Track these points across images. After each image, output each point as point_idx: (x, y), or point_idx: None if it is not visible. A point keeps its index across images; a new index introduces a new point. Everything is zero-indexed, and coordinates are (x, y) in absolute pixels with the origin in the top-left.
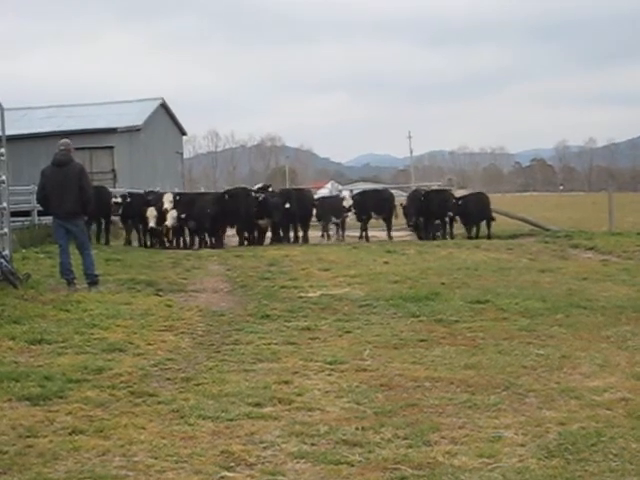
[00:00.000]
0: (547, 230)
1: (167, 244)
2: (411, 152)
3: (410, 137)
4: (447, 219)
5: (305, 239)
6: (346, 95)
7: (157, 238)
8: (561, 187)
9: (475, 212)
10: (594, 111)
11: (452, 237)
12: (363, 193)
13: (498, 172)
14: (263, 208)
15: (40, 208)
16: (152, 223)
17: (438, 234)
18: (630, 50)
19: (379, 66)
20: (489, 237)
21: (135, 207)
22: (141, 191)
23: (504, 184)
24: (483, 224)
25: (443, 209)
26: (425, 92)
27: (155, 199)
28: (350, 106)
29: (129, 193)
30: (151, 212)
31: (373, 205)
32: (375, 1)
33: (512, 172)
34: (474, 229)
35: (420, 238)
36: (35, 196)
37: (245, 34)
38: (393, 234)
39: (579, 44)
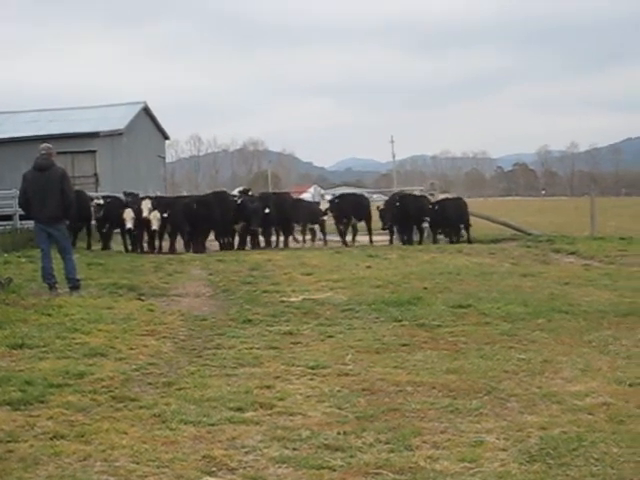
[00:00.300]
0: (529, 235)
1: (147, 248)
2: (394, 157)
3: (392, 142)
4: (425, 224)
5: (285, 244)
6: (329, 100)
7: (137, 242)
8: (543, 192)
9: (453, 217)
10: (576, 116)
11: (435, 241)
12: (341, 197)
13: (480, 177)
14: (242, 212)
15: (22, 212)
16: (129, 224)
17: (415, 239)
18: (612, 57)
19: (363, 71)
20: (469, 241)
21: (113, 210)
22: (119, 194)
23: (486, 189)
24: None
25: (419, 214)
26: (408, 97)
27: (133, 201)
28: (333, 111)
29: (104, 197)
30: (128, 214)
31: (351, 209)
32: (358, 7)
33: (494, 177)
34: (456, 234)
35: (402, 242)
36: (17, 200)
37: (229, 39)
38: (376, 238)
39: (561, 50)
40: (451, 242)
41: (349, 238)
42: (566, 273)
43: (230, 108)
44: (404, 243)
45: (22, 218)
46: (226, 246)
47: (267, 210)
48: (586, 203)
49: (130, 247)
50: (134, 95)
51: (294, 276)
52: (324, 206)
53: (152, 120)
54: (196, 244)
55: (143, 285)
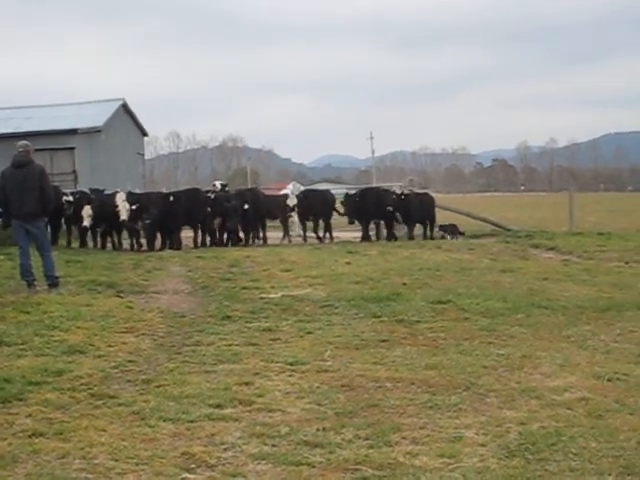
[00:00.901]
0: (508, 230)
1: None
2: (373, 153)
3: (372, 138)
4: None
5: (263, 239)
6: (307, 97)
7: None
8: (522, 187)
9: (416, 212)
10: (555, 112)
11: (395, 238)
12: (306, 192)
13: (459, 172)
14: (218, 209)
15: None
16: (86, 222)
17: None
18: (591, 54)
19: (342, 68)
20: (431, 238)
21: (78, 207)
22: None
23: (465, 184)
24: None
25: (380, 209)
26: (387, 94)
27: (97, 197)
28: (312, 107)
29: (73, 193)
30: (86, 211)
31: (316, 206)
32: (335, 5)
33: (473, 172)
34: (420, 229)
35: (362, 238)
36: None
37: (209, 36)
38: (355, 234)
39: (542, 47)
40: (410, 238)
41: (320, 234)
42: (545, 268)
43: (209, 105)
44: (363, 239)
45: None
46: (201, 243)
47: (246, 206)
48: (565, 199)
49: (90, 244)
50: (112, 92)
51: (273, 272)
52: (292, 202)
53: (131, 117)
54: (171, 240)
55: (122, 282)
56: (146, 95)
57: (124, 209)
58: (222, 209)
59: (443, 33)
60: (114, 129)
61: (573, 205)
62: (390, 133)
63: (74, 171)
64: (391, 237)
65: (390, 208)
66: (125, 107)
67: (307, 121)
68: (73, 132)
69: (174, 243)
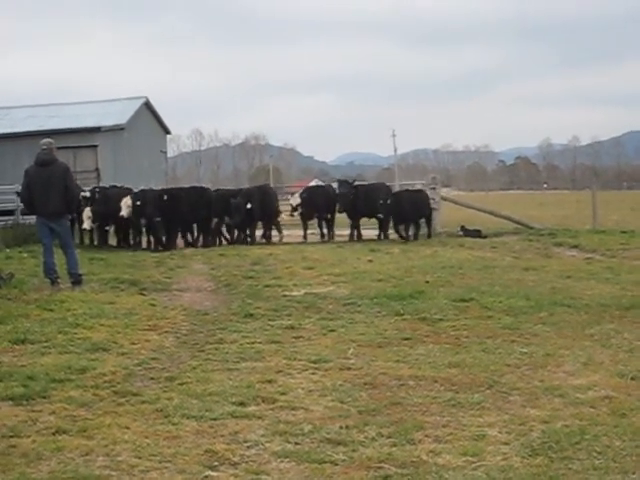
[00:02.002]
0: (531, 228)
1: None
2: (395, 150)
3: (394, 135)
4: (380, 216)
5: (268, 237)
6: (330, 94)
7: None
8: (545, 185)
9: (409, 211)
10: (578, 110)
11: (385, 237)
12: (309, 191)
13: (482, 170)
14: (222, 208)
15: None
16: (86, 225)
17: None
18: (614, 51)
19: (364, 65)
20: (429, 235)
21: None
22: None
23: (488, 182)
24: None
25: (370, 206)
26: (410, 91)
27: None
28: (334, 105)
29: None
30: (87, 213)
31: (320, 203)
32: (359, 1)
33: (496, 170)
34: (411, 229)
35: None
36: (19, 195)
37: (230, 34)
38: (378, 232)
39: (564, 45)
40: (401, 237)
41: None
42: (568, 267)
43: (231, 103)
44: (351, 237)
45: (24, 213)
46: (192, 243)
47: (249, 205)
48: (588, 197)
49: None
50: (135, 90)
51: (296, 270)
52: (295, 201)
53: (153, 115)
54: (167, 240)
55: (145, 280)
56: (169, 93)
57: (125, 205)
58: (227, 208)
59: (465, 29)
60: (137, 127)
61: (596, 203)
62: (413, 131)
63: (97, 169)
64: (383, 236)
65: (380, 215)
66: (148, 105)
67: (330, 119)
68: (96, 130)
69: (167, 243)
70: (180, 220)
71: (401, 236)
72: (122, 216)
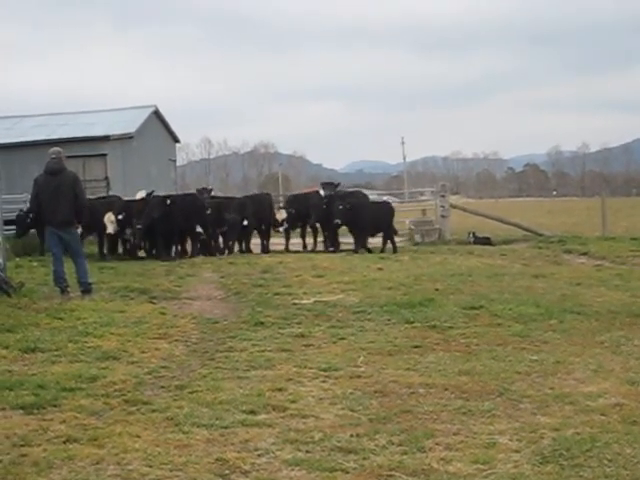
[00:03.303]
0: (540, 235)
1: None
2: (404, 158)
3: (403, 143)
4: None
5: (266, 248)
6: (339, 102)
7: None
8: (554, 192)
9: (368, 222)
10: (587, 117)
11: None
12: (294, 201)
13: (491, 178)
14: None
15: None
16: (110, 229)
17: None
18: (623, 57)
19: (373, 72)
20: (394, 251)
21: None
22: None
23: (497, 189)
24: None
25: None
26: (418, 99)
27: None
28: (343, 112)
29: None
30: (109, 217)
31: (304, 212)
32: (367, 9)
33: (505, 177)
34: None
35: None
36: (28, 204)
37: (239, 42)
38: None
39: (572, 51)
40: (354, 251)
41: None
42: (578, 274)
43: (240, 111)
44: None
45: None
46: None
47: (245, 222)
48: (597, 204)
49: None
50: (143, 99)
51: (305, 278)
52: (281, 217)
53: (163, 123)
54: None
55: (154, 288)
56: (178, 101)
57: (109, 222)
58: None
59: (474, 36)
60: (146, 136)
61: (606, 210)
62: (421, 138)
63: (106, 178)
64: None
65: (338, 221)
66: (157, 114)
67: (338, 126)
68: (105, 139)
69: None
70: (173, 228)
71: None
72: (110, 233)
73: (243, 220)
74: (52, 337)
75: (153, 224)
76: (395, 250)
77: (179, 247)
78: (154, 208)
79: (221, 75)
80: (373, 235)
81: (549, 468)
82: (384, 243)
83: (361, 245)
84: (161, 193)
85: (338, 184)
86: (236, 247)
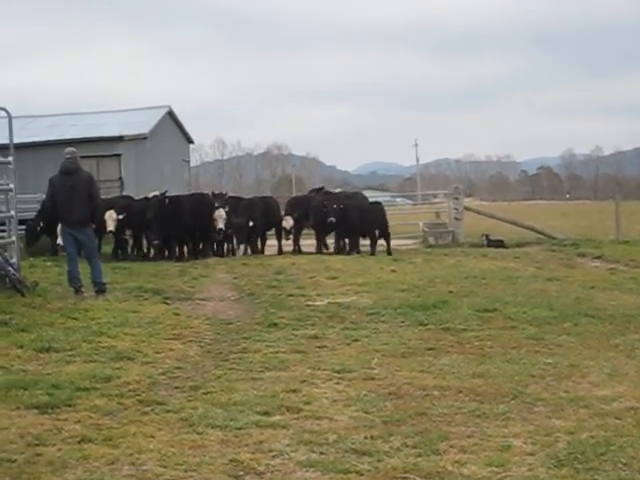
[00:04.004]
0: (554, 238)
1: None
2: (417, 160)
3: (416, 145)
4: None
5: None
6: (353, 103)
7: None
8: (568, 195)
9: (358, 224)
10: (601, 120)
11: (325, 248)
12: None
13: (504, 180)
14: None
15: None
16: (111, 227)
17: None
18: (637, 60)
19: (386, 74)
20: (389, 253)
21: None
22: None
23: (510, 192)
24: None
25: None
26: (431, 100)
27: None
28: (357, 114)
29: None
30: (111, 215)
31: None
32: (380, 11)
33: (518, 180)
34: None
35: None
36: (42, 204)
37: (252, 43)
38: (400, 242)
39: (587, 54)
40: (338, 252)
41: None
42: (592, 277)
43: (254, 112)
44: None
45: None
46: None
47: (251, 223)
48: (611, 207)
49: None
50: (157, 99)
51: (319, 280)
52: (288, 224)
53: (176, 124)
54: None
55: (168, 289)
56: (191, 102)
57: (110, 219)
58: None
59: (487, 38)
60: (160, 136)
61: (619, 213)
62: (434, 140)
63: (120, 178)
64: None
65: (332, 219)
66: (171, 114)
67: (352, 128)
68: (119, 139)
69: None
70: (180, 228)
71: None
72: (110, 231)
73: (249, 222)
74: (66, 337)
75: (156, 224)
76: (389, 252)
77: (182, 248)
78: (151, 208)
79: (235, 76)
80: (365, 236)
81: (564, 471)
82: (373, 245)
83: (355, 246)
84: (174, 194)
85: (321, 188)
86: (241, 249)
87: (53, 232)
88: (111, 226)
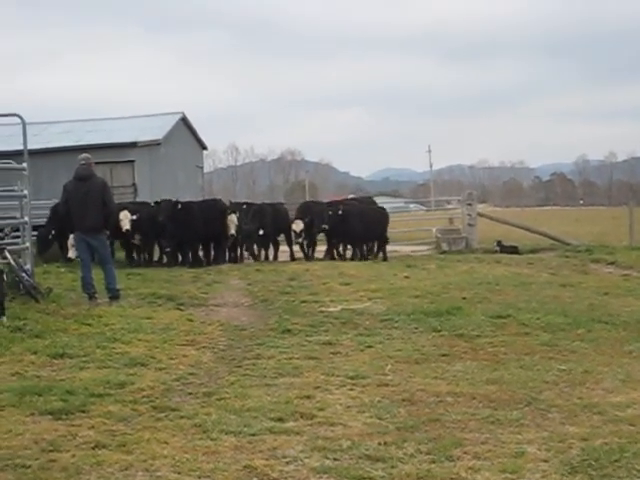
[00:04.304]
0: (567, 244)
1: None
2: (431, 166)
3: (430, 151)
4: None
5: (275, 257)
6: (366, 109)
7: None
8: (581, 201)
9: (359, 229)
10: (615, 125)
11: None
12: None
13: (518, 186)
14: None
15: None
16: (128, 226)
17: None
18: None
19: (399, 80)
20: (384, 259)
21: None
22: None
23: (524, 198)
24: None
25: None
26: (444, 106)
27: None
28: (370, 120)
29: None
30: (125, 214)
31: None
32: (393, 17)
33: (532, 186)
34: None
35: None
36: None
37: (264, 49)
38: (414, 248)
39: (600, 59)
40: (332, 258)
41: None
42: (605, 283)
43: (267, 118)
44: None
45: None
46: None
47: (261, 232)
48: (624, 213)
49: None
50: (171, 105)
51: (332, 286)
52: (298, 228)
53: (190, 130)
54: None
55: (182, 295)
56: (205, 108)
57: (126, 219)
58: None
59: (499, 43)
60: (173, 142)
61: (633, 219)
62: (448, 146)
63: (134, 184)
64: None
65: (325, 227)
66: (184, 120)
67: (365, 134)
68: (133, 145)
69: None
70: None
71: (339, 254)
72: (127, 230)
73: (259, 230)
74: (80, 343)
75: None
76: (385, 258)
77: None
78: (162, 212)
79: (248, 82)
80: (366, 243)
81: (577, 478)
82: (370, 251)
83: (360, 253)
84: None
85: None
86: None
87: (65, 240)
88: (127, 225)
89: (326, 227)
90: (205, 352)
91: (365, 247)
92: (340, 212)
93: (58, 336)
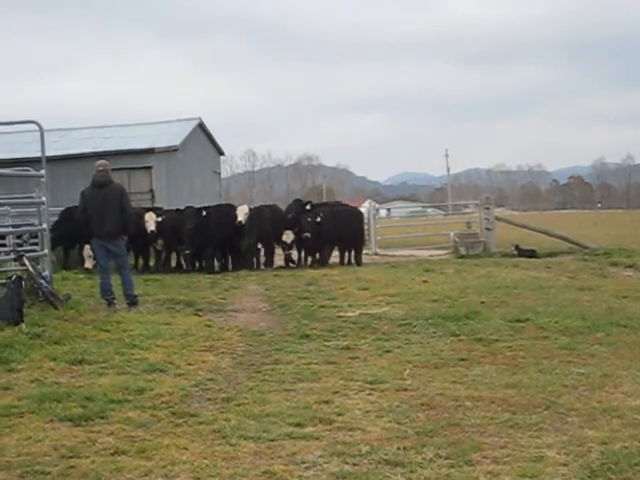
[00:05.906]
0: (586, 248)
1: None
2: (448, 170)
3: (447, 155)
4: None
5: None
6: (383, 114)
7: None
8: (599, 204)
9: (335, 234)
10: (632, 128)
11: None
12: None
13: (535, 190)
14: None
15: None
16: (153, 227)
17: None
18: None
19: (416, 85)
20: (358, 264)
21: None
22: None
23: (542, 202)
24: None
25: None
26: (461, 110)
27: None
28: (387, 125)
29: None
30: (151, 215)
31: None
32: (410, 22)
33: (550, 190)
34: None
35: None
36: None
37: (281, 54)
38: (432, 253)
39: (618, 61)
40: (311, 263)
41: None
42: (624, 286)
43: (284, 123)
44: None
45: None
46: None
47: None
48: None
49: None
50: (188, 111)
51: (350, 291)
52: (289, 239)
53: (207, 136)
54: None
55: (200, 301)
56: (222, 113)
57: (151, 220)
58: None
59: (516, 47)
60: (190, 148)
61: None
62: (465, 150)
63: (151, 190)
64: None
65: (307, 235)
66: (201, 126)
67: (382, 139)
68: (150, 151)
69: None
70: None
71: (314, 260)
72: (152, 232)
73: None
74: (99, 349)
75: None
76: (359, 263)
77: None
78: (187, 219)
79: (265, 87)
80: (345, 246)
81: None
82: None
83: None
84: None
85: (308, 202)
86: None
87: (69, 243)
88: (152, 226)
89: (309, 235)
90: (224, 358)
91: (347, 252)
92: (318, 219)
93: (77, 342)
